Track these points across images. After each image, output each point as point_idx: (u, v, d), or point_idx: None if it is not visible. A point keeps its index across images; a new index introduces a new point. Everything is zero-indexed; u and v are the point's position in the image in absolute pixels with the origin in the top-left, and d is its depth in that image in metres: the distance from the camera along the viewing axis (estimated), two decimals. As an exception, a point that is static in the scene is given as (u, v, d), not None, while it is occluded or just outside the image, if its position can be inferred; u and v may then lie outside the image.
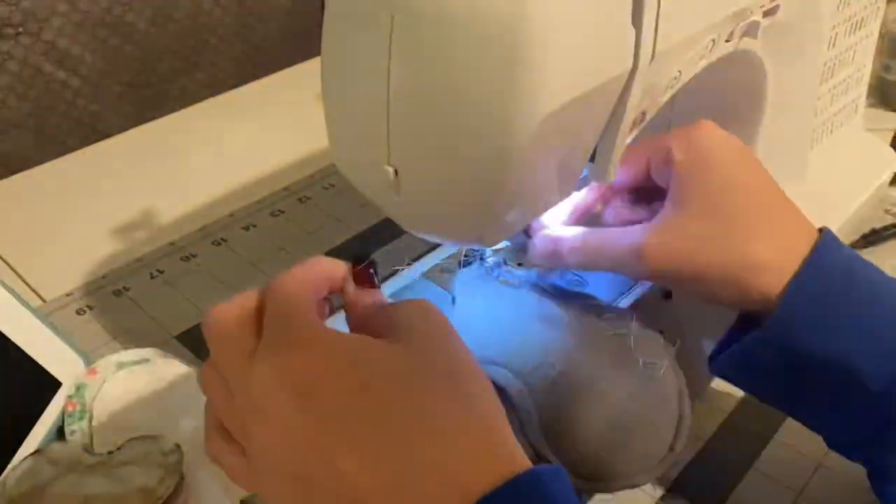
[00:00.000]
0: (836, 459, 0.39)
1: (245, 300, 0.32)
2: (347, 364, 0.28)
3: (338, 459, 0.26)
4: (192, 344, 0.55)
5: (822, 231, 0.36)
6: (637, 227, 0.37)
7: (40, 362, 0.47)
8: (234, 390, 0.30)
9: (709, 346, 0.45)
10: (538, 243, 0.39)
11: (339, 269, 0.33)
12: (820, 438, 0.38)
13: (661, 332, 0.46)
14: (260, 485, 0.30)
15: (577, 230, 0.39)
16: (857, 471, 0.37)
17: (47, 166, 0.79)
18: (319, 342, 0.29)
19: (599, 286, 0.43)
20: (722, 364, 0.38)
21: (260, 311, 0.31)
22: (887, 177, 0.58)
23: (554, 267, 0.41)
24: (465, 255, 0.44)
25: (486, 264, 0.44)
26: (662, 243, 0.35)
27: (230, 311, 0.31)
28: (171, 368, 0.49)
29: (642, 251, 0.35)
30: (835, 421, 0.37)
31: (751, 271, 0.35)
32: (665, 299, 0.45)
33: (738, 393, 0.50)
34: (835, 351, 0.34)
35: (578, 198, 0.41)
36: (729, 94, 0.47)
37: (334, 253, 0.64)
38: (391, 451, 0.26)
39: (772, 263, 0.35)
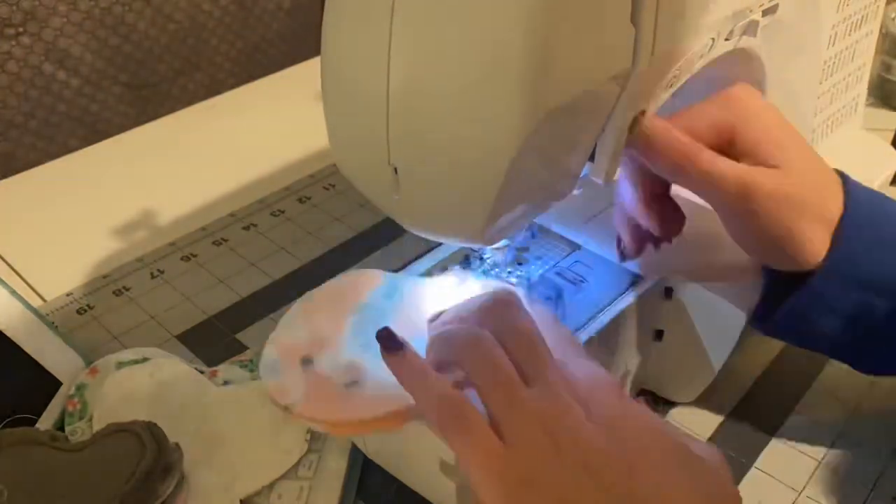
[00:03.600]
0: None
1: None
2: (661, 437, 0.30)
3: None
4: (193, 343, 0.55)
5: (840, 173, 0.39)
6: (743, 165, 0.37)
7: (40, 362, 0.47)
8: (534, 386, 0.30)
9: (709, 345, 0.45)
10: (655, 127, 0.36)
11: None
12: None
13: (661, 331, 0.46)
14: (513, 483, 0.29)
15: (683, 135, 0.37)
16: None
17: (47, 166, 0.79)
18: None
19: (601, 285, 0.43)
20: (780, 320, 0.39)
21: None
22: (887, 176, 0.58)
23: (644, 163, 0.37)
24: (465, 255, 0.44)
25: (485, 264, 0.44)
26: (772, 192, 0.36)
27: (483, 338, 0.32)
28: (171, 368, 0.49)
29: (754, 191, 0.36)
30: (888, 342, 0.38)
31: (825, 224, 0.37)
32: (666, 298, 0.45)
33: (741, 392, 0.50)
34: (891, 273, 0.36)
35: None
36: (729, 93, 0.47)
37: (334, 253, 0.64)
38: None
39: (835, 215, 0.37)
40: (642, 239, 0.41)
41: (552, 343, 0.33)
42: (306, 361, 0.36)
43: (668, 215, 0.39)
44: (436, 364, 0.32)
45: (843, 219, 0.37)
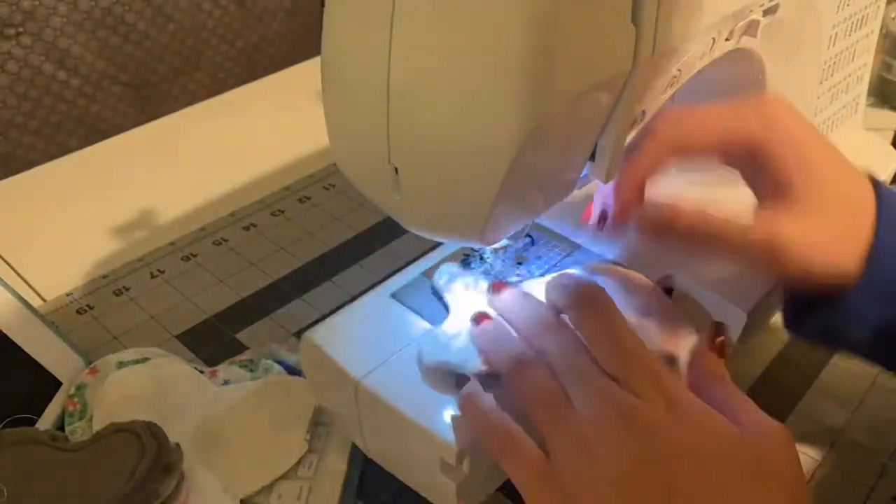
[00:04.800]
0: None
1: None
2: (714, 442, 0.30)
3: None
4: (193, 343, 0.55)
5: (872, 179, 0.37)
6: (762, 215, 0.36)
7: (40, 362, 0.47)
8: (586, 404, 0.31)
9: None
10: (649, 210, 0.37)
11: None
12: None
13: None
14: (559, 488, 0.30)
15: (693, 203, 0.37)
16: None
17: (47, 166, 0.79)
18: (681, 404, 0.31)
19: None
20: (809, 329, 0.38)
21: None
22: (888, 176, 0.57)
23: (654, 239, 0.38)
24: (465, 255, 0.44)
25: (485, 264, 0.44)
26: (797, 238, 0.35)
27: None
28: (171, 368, 0.49)
29: (779, 245, 0.35)
30: None
31: (857, 244, 0.36)
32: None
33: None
34: None
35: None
36: (729, 92, 0.46)
37: (334, 252, 0.64)
38: None
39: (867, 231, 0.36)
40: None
41: (600, 344, 0.33)
42: None
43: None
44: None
45: (876, 233, 0.35)
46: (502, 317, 0.37)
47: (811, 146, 0.36)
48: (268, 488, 0.42)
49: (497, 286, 0.39)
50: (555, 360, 0.33)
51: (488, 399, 0.33)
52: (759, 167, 0.36)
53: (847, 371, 0.51)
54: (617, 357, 0.32)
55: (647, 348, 0.33)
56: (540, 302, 0.37)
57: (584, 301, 0.35)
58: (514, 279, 0.43)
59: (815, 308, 0.37)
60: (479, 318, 0.37)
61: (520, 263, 0.44)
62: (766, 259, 0.35)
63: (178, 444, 0.42)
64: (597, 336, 0.33)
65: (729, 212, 0.36)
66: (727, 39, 0.37)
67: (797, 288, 0.39)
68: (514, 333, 0.36)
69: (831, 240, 0.35)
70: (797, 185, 0.35)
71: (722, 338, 0.36)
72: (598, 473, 0.29)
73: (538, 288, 0.39)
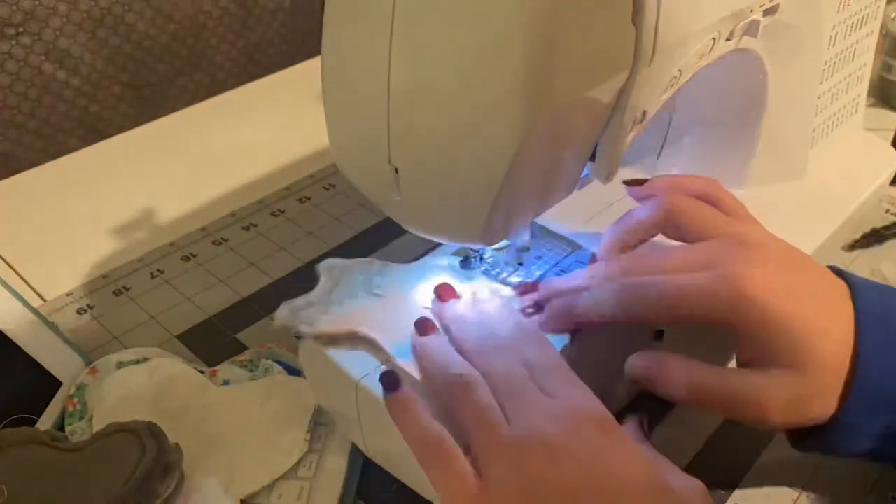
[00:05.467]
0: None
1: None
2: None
3: None
4: (193, 343, 0.55)
5: (847, 280, 0.36)
6: (750, 374, 0.35)
7: (40, 362, 0.47)
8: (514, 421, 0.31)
9: (709, 345, 0.45)
10: (639, 363, 0.37)
11: None
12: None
13: (660, 331, 0.46)
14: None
15: (680, 362, 0.37)
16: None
17: (47, 166, 0.79)
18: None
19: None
20: (809, 448, 0.37)
21: None
22: (888, 176, 0.57)
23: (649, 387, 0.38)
24: (465, 255, 0.44)
25: (485, 264, 0.44)
26: (787, 402, 0.34)
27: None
28: (171, 368, 0.49)
29: (769, 408, 0.34)
30: None
31: (843, 377, 0.35)
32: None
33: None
34: None
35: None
36: (729, 93, 0.47)
37: (334, 253, 0.64)
38: None
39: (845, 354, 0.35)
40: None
41: (540, 367, 0.34)
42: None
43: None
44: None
45: (857, 348, 0.34)
46: (444, 326, 0.38)
47: (785, 318, 0.34)
48: (268, 488, 0.42)
49: (443, 292, 0.39)
50: (497, 380, 0.33)
51: (422, 406, 0.34)
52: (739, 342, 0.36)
53: (847, 371, 0.51)
54: (556, 380, 0.33)
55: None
56: (484, 318, 0.37)
57: (526, 333, 0.36)
58: (513, 280, 0.43)
59: (812, 429, 0.37)
60: (423, 326, 0.37)
61: (520, 264, 0.44)
62: (753, 413, 0.35)
63: (177, 444, 0.42)
64: (539, 361, 0.34)
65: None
66: (727, 39, 0.37)
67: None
68: (453, 351, 0.36)
69: (820, 397, 0.35)
70: (775, 357, 0.34)
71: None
72: (533, 493, 0.29)
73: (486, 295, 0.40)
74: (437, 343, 0.36)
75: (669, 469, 0.32)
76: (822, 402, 0.35)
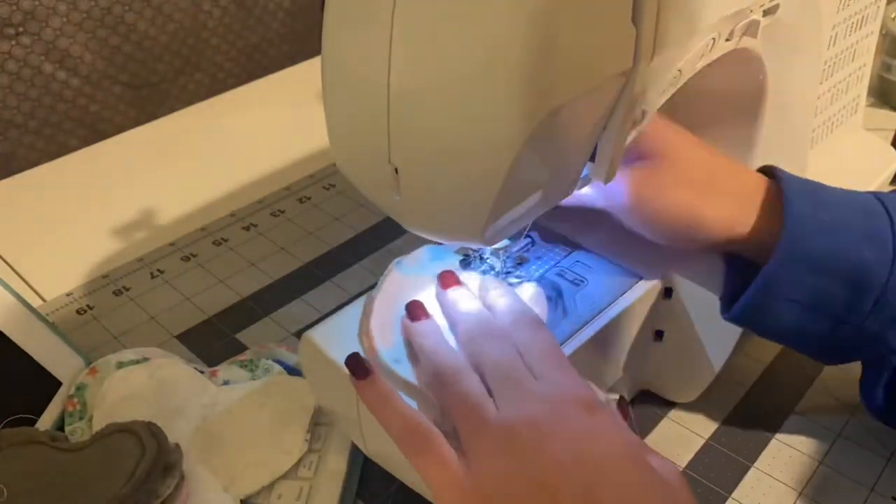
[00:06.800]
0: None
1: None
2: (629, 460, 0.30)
3: None
4: (193, 343, 0.55)
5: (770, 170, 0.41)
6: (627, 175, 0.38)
7: (40, 362, 0.47)
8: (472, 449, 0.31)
9: (709, 345, 0.45)
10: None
11: None
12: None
13: (660, 331, 0.46)
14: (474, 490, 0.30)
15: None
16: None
17: (47, 166, 0.79)
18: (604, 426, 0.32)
19: (601, 285, 0.43)
20: (743, 309, 0.39)
21: None
22: (887, 176, 0.57)
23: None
24: (465, 255, 0.44)
25: (485, 264, 0.44)
26: (676, 195, 0.38)
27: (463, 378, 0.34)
28: (171, 368, 0.49)
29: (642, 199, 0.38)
30: (850, 330, 0.38)
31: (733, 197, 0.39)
32: (666, 298, 0.45)
33: (741, 392, 0.50)
34: (845, 249, 0.37)
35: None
36: (729, 93, 0.46)
37: (334, 253, 0.64)
38: None
39: (756, 199, 0.39)
40: None
41: (530, 351, 0.34)
42: None
43: None
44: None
45: (785, 205, 0.37)
46: (444, 311, 0.38)
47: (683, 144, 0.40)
48: (268, 488, 0.42)
49: (446, 279, 0.39)
50: (488, 366, 0.34)
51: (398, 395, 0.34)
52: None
53: (847, 371, 0.51)
54: (546, 364, 0.33)
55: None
56: (479, 303, 0.38)
57: (520, 318, 0.36)
58: (513, 280, 0.43)
59: (743, 289, 0.39)
60: (414, 311, 0.38)
61: (520, 264, 0.44)
62: (625, 214, 0.39)
63: (177, 444, 0.42)
64: (530, 345, 0.34)
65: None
66: (727, 39, 0.37)
67: (673, 244, 0.41)
68: (446, 337, 0.36)
69: (697, 191, 0.38)
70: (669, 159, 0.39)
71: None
72: (520, 472, 0.29)
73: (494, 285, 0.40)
74: (427, 328, 0.37)
75: (648, 450, 0.32)
76: (755, 228, 0.38)
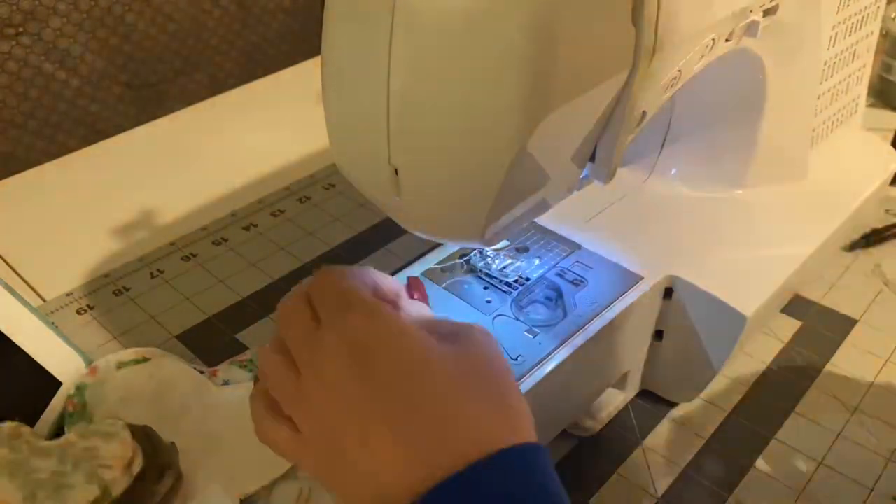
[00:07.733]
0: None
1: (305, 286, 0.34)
2: (407, 339, 0.30)
3: (371, 438, 0.28)
4: (193, 343, 0.55)
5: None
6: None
7: (40, 362, 0.47)
8: (299, 361, 0.31)
9: (709, 345, 0.45)
10: None
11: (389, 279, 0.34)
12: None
13: (661, 331, 0.46)
14: (304, 454, 0.31)
15: None
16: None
17: (47, 166, 0.79)
18: (382, 313, 0.30)
19: (601, 285, 0.43)
20: None
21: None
22: (887, 176, 0.57)
23: None
24: (465, 255, 0.44)
25: (485, 264, 0.44)
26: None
27: (298, 290, 0.34)
28: (171, 368, 0.49)
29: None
30: None
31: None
32: (666, 298, 0.45)
33: (741, 392, 0.50)
34: None
35: None
36: (729, 93, 0.47)
37: (334, 253, 0.64)
38: (424, 436, 0.27)
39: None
40: None
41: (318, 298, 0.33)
42: None
43: None
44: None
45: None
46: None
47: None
48: (267, 488, 0.42)
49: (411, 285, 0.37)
50: (290, 342, 0.33)
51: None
52: None
53: (847, 371, 0.51)
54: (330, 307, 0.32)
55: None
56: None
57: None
58: (512, 280, 0.43)
59: None
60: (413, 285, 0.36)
61: (519, 264, 0.44)
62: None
63: (173, 443, 0.42)
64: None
65: None
66: (727, 40, 0.37)
67: None
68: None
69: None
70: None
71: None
72: (325, 414, 0.29)
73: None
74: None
75: (440, 323, 0.32)
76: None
